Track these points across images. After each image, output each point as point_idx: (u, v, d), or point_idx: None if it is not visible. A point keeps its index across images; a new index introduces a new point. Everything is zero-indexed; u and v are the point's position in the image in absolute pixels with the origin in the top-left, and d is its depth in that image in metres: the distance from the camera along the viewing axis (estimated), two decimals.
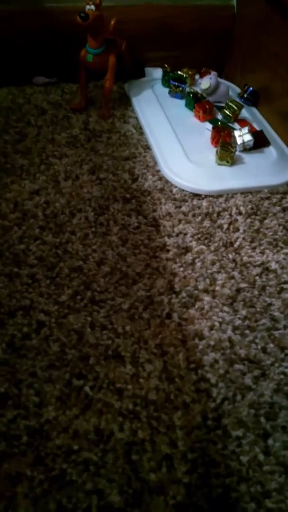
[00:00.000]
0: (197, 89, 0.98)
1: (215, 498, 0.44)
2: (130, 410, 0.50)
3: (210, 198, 0.77)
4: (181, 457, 0.47)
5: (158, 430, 0.49)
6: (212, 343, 0.57)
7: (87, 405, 0.51)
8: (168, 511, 0.43)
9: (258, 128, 0.91)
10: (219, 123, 0.90)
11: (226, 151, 0.80)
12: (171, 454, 0.47)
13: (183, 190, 0.78)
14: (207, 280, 0.65)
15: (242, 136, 0.84)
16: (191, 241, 0.70)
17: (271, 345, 0.58)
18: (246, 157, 0.84)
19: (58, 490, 0.45)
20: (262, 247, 0.70)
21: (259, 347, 0.57)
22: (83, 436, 0.48)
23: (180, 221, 0.73)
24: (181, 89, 1.00)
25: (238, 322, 0.60)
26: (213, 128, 0.87)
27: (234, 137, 0.84)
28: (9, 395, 0.51)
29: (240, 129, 0.84)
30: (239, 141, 0.83)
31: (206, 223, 0.73)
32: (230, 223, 0.73)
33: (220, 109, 0.94)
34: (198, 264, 0.67)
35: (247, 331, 0.59)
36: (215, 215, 0.75)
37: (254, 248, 0.69)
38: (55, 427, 0.49)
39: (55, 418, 0.49)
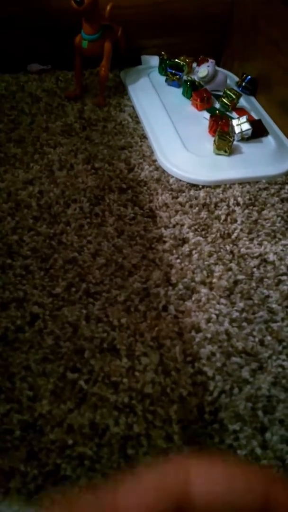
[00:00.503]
0: (195, 77, 0.96)
1: None
2: (125, 404, 0.49)
3: (208, 189, 0.76)
4: (177, 451, 0.46)
5: (154, 424, 0.48)
6: (209, 335, 0.56)
7: (82, 399, 0.50)
8: None
9: (256, 118, 0.89)
10: (217, 112, 0.88)
11: (224, 140, 0.79)
12: (167, 448, 0.46)
13: (180, 181, 0.77)
14: (204, 272, 0.64)
15: (240, 125, 0.82)
16: (188, 232, 0.69)
17: (269, 338, 0.57)
18: (244, 146, 0.82)
19: (52, 485, 0.44)
20: (260, 239, 0.69)
21: (256, 339, 0.56)
22: (78, 431, 0.47)
23: (177, 212, 0.72)
24: (178, 77, 0.98)
25: (235, 315, 0.59)
26: (211, 117, 0.85)
27: (232, 126, 0.82)
28: (2, 389, 0.50)
29: (238, 118, 0.83)
30: (237, 130, 0.82)
31: (204, 214, 0.72)
32: (227, 214, 0.72)
33: (218, 97, 0.93)
34: (195, 256, 0.66)
35: (244, 324, 0.58)
36: (212, 206, 0.73)
37: (252, 240, 0.68)
38: (49, 421, 0.48)
39: (49, 412, 0.49)
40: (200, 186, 0.76)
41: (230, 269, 0.64)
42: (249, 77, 0.98)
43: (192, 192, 0.75)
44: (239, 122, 0.82)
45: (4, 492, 0.43)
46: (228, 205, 0.73)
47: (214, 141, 0.80)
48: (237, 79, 1.03)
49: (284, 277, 0.64)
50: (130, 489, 0.13)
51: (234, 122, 0.83)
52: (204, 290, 0.61)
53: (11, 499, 0.43)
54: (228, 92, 0.90)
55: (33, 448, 0.46)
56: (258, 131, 0.84)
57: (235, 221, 0.71)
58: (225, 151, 0.79)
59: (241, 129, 0.82)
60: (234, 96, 0.90)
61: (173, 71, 0.98)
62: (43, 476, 0.44)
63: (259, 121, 0.87)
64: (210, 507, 0.12)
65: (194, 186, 0.77)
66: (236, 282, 0.63)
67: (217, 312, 0.59)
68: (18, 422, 0.48)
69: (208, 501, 0.12)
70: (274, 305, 0.60)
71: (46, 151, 0.80)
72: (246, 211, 0.73)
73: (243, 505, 0.12)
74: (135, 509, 0.12)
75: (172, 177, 0.78)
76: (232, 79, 1.04)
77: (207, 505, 0.12)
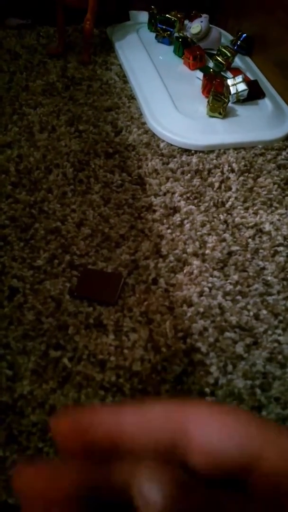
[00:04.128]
0: (187, 33, 0.89)
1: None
2: (112, 383, 0.46)
3: (201, 154, 0.71)
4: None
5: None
6: (201, 310, 0.53)
7: (66, 378, 0.46)
8: None
9: (252, 78, 0.83)
10: (211, 71, 0.82)
11: (219, 101, 0.73)
12: None
13: (171, 145, 0.72)
14: (197, 243, 0.60)
15: (235, 85, 0.76)
16: (179, 201, 0.64)
17: (264, 312, 0.54)
18: (240, 109, 0.77)
19: None
20: (255, 208, 0.65)
21: (251, 313, 0.53)
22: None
23: (167, 179, 0.67)
24: (169, 33, 0.90)
25: (229, 288, 0.55)
26: (204, 76, 0.79)
27: (227, 87, 0.76)
28: None
29: (233, 78, 0.77)
30: (232, 90, 0.76)
31: (196, 181, 0.67)
32: (221, 182, 0.67)
33: (212, 56, 0.86)
34: (187, 226, 0.61)
35: (238, 297, 0.55)
36: (205, 172, 0.69)
37: (247, 209, 0.64)
38: (30, 402, 0.44)
39: (30, 392, 0.45)
40: (193, 151, 0.71)
41: (224, 240, 0.60)
42: (245, 35, 0.91)
43: (184, 158, 0.70)
44: (235, 82, 0.77)
45: None
46: (222, 172, 0.69)
47: (208, 102, 0.74)
48: (231, 37, 0.96)
49: (281, 248, 0.60)
50: (135, 415, 0.14)
51: (229, 82, 0.77)
52: (196, 262, 0.58)
53: None
54: (223, 49, 0.84)
55: (13, 431, 0.42)
56: (254, 92, 0.79)
57: (230, 189, 0.67)
58: (220, 113, 0.74)
59: (236, 90, 0.76)
60: (229, 54, 0.83)
61: (164, 27, 0.91)
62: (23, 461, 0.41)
63: (255, 81, 0.81)
64: (203, 453, 0.13)
65: (186, 151, 0.71)
66: (230, 254, 0.59)
67: (210, 285, 0.56)
68: None
69: (202, 448, 0.13)
70: (269, 278, 0.57)
71: (26, 112, 0.74)
72: (241, 178, 0.68)
73: (233, 459, 0.13)
74: (138, 434, 0.13)
75: (163, 141, 0.72)
76: (226, 37, 0.97)
77: (200, 449, 0.13)
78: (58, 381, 0.46)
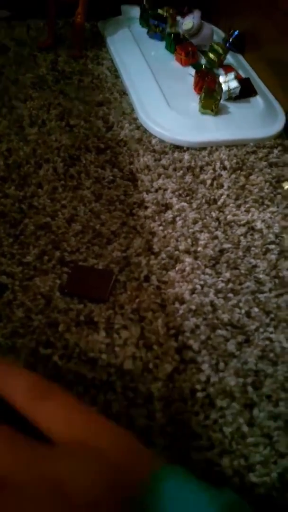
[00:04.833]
0: (179, 29, 0.88)
1: (198, 474, 0.40)
2: (104, 381, 0.46)
3: (193, 151, 0.71)
4: (159, 429, 0.43)
5: (135, 402, 0.44)
6: (193, 307, 0.53)
7: (56, 376, 0.46)
8: None
9: (244, 76, 0.83)
10: (203, 67, 0.82)
11: (211, 98, 0.73)
12: (149, 426, 0.43)
13: (163, 141, 0.71)
14: (189, 240, 0.59)
15: (227, 82, 0.76)
16: (171, 198, 0.64)
17: (256, 309, 0.54)
18: (232, 106, 0.77)
19: None
20: (247, 205, 0.65)
21: (243, 311, 0.53)
22: None
23: (159, 175, 0.67)
24: (161, 29, 0.90)
25: (221, 285, 0.55)
26: (196, 73, 0.79)
27: (219, 84, 0.76)
28: None
29: (225, 75, 0.77)
30: (224, 88, 0.76)
31: (188, 178, 0.67)
32: (213, 179, 0.67)
33: (204, 53, 0.86)
34: (179, 223, 0.61)
35: (230, 295, 0.54)
36: (197, 169, 0.68)
37: (239, 206, 0.64)
38: None
39: None
40: (185, 148, 0.71)
41: (216, 237, 0.60)
42: (237, 32, 0.91)
43: (176, 154, 0.70)
44: (227, 79, 0.76)
45: None
46: (214, 169, 0.68)
47: (200, 99, 0.74)
48: (223, 34, 0.96)
49: (272, 246, 0.60)
50: None
51: (221, 79, 0.77)
52: (188, 259, 0.57)
53: None
54: (215, 46, 0.84)
55: None
56: (246, 90, 0.79)
57: (222, 186, 0.66)
58: (211, 110, 0.74)
59: (228, 87, 0.76)
60: (221, 51, 0.83)
61: (156, 23, 0.90)
62: None
63: (248, 79, 0.81)
64: None
65: (178, 147, 0.71)
66: (222, 251, 0.59)
67: (202, 282, 0.55)
68: None
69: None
70: (261, 275, 0.57)
71: (15, 105, 0.72)
72: (233, 175, 0.68)
73: None
74: None
75: (155, 137, 0.72)
76: (218, 35, 0.97)
77: None
78: (49, 379, 0.45)
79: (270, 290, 0.56)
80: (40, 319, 0.49)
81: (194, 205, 0.64)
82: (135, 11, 0.97)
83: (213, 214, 0.63)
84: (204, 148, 0.71)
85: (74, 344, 0.48)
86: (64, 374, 0.46)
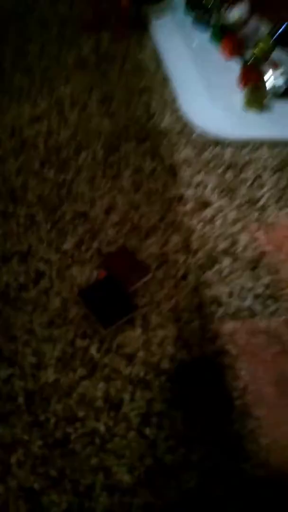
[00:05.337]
0: (225, 20, 0.85)
1: (231, 487, 0.40)
2: (140, 378, 0.45)
3: (234, 147, 0.68)
4: (197, 437, 0.42)
5: (174, 403, 0.44)
6: (231, 311, 0.52)
7: (93, 368, 0.45)
8: (180, 496, 0.39)
9: None
10: (250, 62, 0.79)
11: (256, 94, 0.70)
12: (187, 433, 0.42)
13: (205, 135, 0.69)
14: (228, 241, 0.58)
15: (274, 79, 0.73)
16: (211, 195, 0.62)
17: None
18: (277, 104, 0.74)
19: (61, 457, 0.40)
20: None
21: (281, 319, 0.52)
22: (88, 403, 0.43)
23: (200, 170, 0.65)
24: (206, 19, 0.86)
25: (260, 290, 0.54)
26: (242, 67, 0.76)
27: (265, 80, 0.73)
28: (2, 351, 0.45)
29: (272, 71, 0.74)
30: (269, 84, 0.73)
31: (229, 175, 0.65)
32: (255, 178, 0.65)
33: (250, 46, 0.83)
34: (219, 222, 0.60)
35: (269, 301, 0.53)
36: (238, 167, 0.66)
37: (281, 208, 0.62)
38: (56, 390, 0.43)
39: (55, 381, 0.43)
40: (226, 144, 0.69)
41: (256, 239, 0.58)
42: (286, 24, 0.87)
43: (217, 150, 0.68)
44: (273, 76, 0.74)
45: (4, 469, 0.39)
46: (256, 168, 0.66)
47: (245, 94, 0.71)
48: (271, 27, 0.93)
49: None
50: None
51: (267, 75, 0.74)
52: (226, 261, 0.56)
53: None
54: (262, 40, 0.81)
55: (38, 418, 0.41)
56: None
57: (263, 186, 0.65)
58: (256, 107, 0.71)
59: (274, 84, 0.73)
60: (268, 46, 0.80)
61: (202, 12, 0.87)
62: (48, 447, 0.40)
63: None
64: None
65: (219, 143, 0.69)
66: (262, 254, 0.57)
67: (240, 286, 0.54)
68: (21, 388, 0.43)
69: None
70: None
71: (56, 86, 0.70)
72: (275, 176, 0.66)
73: None
74: None
75: (196, 130, 0.69)
76: (266, 26, 0.93)
77: None
78: (86, 371, 0.44)
79: None
80: (77, 310, 0.49)
81: (234, 204, 0.62)
82: None
83: (254, 215, 0.61)
84: (246, 145, 0.69)
85: (111, 338, 0.47)
86: (101, 367, 0.45)
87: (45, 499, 0.38)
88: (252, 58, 0.81)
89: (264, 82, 0.75)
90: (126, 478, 0.40)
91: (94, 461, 0.40)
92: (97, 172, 0.61)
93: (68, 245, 0.54)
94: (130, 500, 0.39)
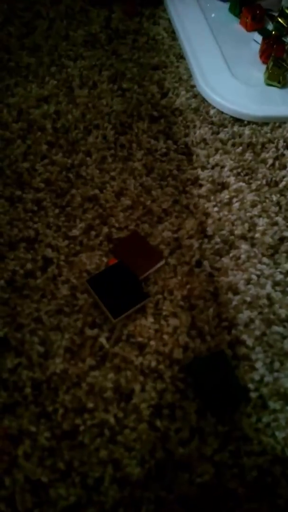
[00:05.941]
0: None
1: (247, 481, 0.38)
2: (152, 368, 0.43)
3: (254, 126, 0.64)
4: (212, 430, 0.40)
5: (186, 394, 0.42)
6: (248, 299, 0.49)
7: (103, 358, 0.43)
8: (193, 490, 0.37)
9: None
10: (272, 34, 0.74)
11: (279, 68, 0.66)
12: (199, 424, 0.40)
13: (222, 113, 0.65)
14: (246, 225, 0.55)
15: None
16: (229, 176, 0.59)
17: None
18: None
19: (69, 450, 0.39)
20: None
21: None
22: (98, 394, 0.41)
23: (216, 150, 0.61)
24: None
25: (279, 277, 0.51)
26: (263, 39, 0.71)
27: None
28: (9, 340, 0.44)
29: None
30: None
31: (248, 155, 0.61)
32: (275, 158, 0.61)
33: (273, 18, 0.77)
34: (236, 205, 0.56)
35: None
36: (258, 146, 0.62)
37: None
38: (64, 380, 0.41)
39: (64, 371, 0.42)
40: (245, 122, 0.65)
41: (276, 224, 0.55)
42: None
43: (235, 128, 0.64)
44: None
45: (10, 461, 0.38)
46: (276, 148, 0.62)
47: (267, 68, 0.67)
48: None
49: None
50: None
51: None
52: (244, 246, 0.53)
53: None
54: (286, 10, 0.75)
55: (46, 409, 0.40)
56: None
57: (284, 167, 0.61)
58: (279, 82, 0.67)
59: None
60: None
61: None
62: (56, 439, 0.39)
63: None
64: None
65: (238, 120, 0.65)
66: (282, 239, 0.54)
67: (258, 272, 0.51)
68: (28, 379, 0.41)
69: None
70: None
71: (65, 64, 0.67)
72: None
73: None
74: None
75: (213, 107, 0.66)
76: None
77: None
78: (95, 361, 0.43)
79: None
80: (86, 298, 0.47)
81: (253, 186, 0.58)
82: None
83: (274, 198, 0.57)
84: (267, 123, 0.65)
85: (121, 326, 0.45)
86: (111, 357, 0.43)
87: (53, 492, 0.37)
88: (275, 30, 0.76)
89: (287, 56, 0.70)
90: (136, 471, 0.38)
91: (103, 453, 0.39)
92: (107, 154, 0.59)
93: (77, 231, 0.52)
94: (140, 494, 0.38)
